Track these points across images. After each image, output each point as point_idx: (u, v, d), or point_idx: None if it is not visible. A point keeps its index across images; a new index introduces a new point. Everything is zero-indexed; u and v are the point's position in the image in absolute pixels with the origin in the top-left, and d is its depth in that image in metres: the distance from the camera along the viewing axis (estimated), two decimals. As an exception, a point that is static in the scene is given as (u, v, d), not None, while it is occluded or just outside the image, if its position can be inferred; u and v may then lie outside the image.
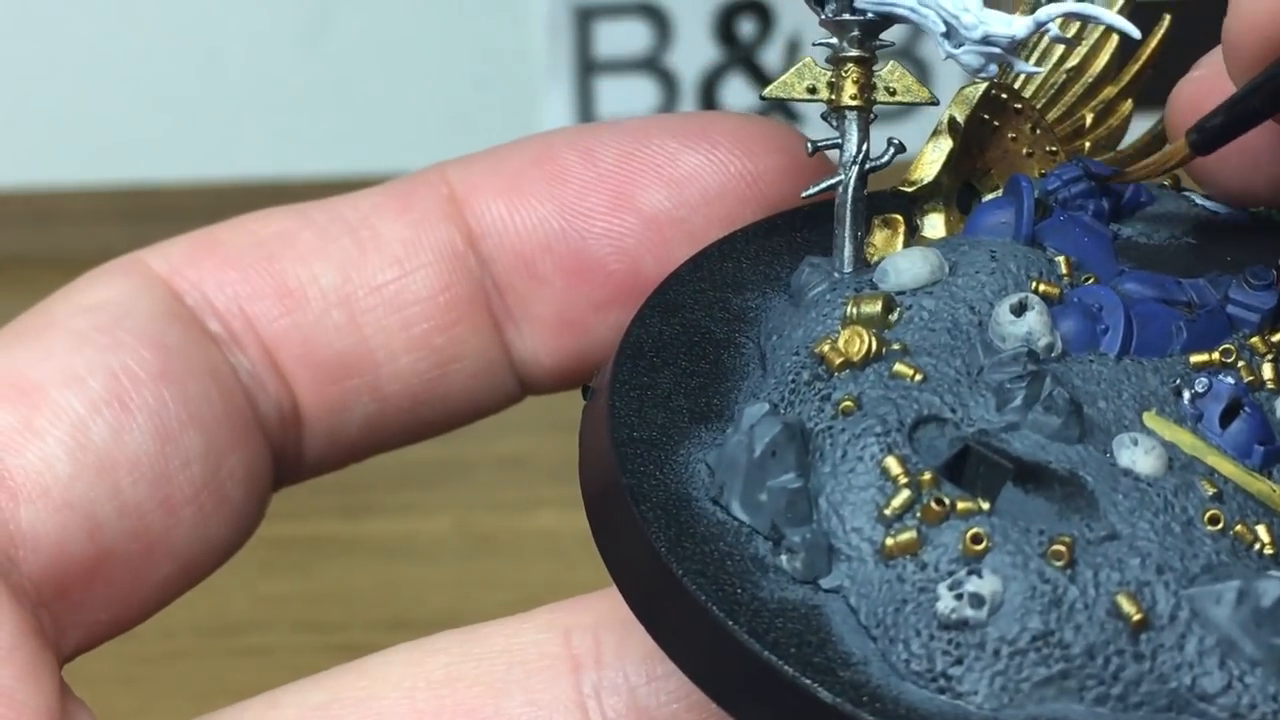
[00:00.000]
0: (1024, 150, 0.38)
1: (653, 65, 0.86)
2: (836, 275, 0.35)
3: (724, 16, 0.85)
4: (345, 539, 0.75)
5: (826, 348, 0.33)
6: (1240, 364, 0.34)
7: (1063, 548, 0.31)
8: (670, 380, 0.35)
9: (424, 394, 0.40)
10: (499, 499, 0.75)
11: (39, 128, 0.86)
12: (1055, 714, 0.30)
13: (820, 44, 0.35)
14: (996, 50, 0.34)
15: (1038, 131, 0.38)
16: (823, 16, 0.35)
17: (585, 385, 0.37)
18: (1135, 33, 0.35)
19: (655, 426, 0.34)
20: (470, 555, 0.73)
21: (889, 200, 0.37)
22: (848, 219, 0.35)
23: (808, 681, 0.30)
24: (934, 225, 0.37)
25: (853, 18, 0.35)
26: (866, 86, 0.35)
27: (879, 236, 0.36)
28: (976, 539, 0.31)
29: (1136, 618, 0.30)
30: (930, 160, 0.36)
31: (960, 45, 0.34)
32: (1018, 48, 0.34)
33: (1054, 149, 0.38)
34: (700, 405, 0.34)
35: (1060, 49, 0.38)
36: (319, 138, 0.85)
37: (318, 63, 0.85)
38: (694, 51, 0.85)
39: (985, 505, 0.31)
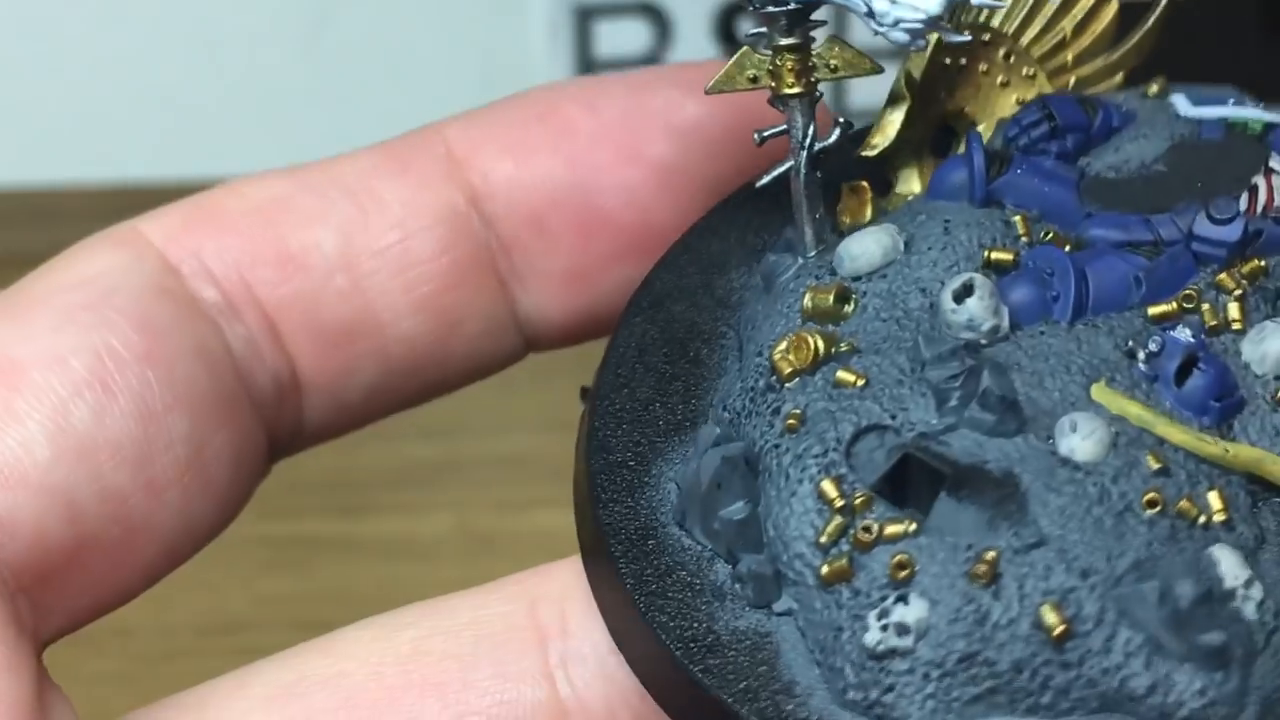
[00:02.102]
0: (998, 80, 0.37)
1: (653, 65, 0.86)
2: (800, 260, 0.35)
3: (724, 16, 0.85)
4: (344, 538, 0.74)
5: (779, 356, 0.34)
6: (1204, 306, 0.33)
7: (986, 566, 0.31)
8: (650, 388, 0.35)
9: (428, 356, 0.39)
10: (499, 499, 0.75)
11: (39, 127, 0.86)
12: None
13: (753, 34, 0.35)
14: (919, 26, 0.34)
15: (1012, 58, 0.37)
16: (752, 8, 0.35)
17: (583, 387, 0.37)
18: None
19: (630, 446, 0.35)
20: (469, 555, 0.73)
21: (859, 165, 0.36)
22: (804, 203, 0.35)
23: (749, 718, 0.31)
24: (907, 179, 0.37)
25: (778, 9, 0.34)
26: (804, 71, 0.35)
27: (849, 204, 0.36)
28: (901, 566, 0.31)
29: (1059, 630, 0.30)
30: (889, 122, 0.36)
31: (883, 25, 0.34)
32: (939, 21, 0.34)
33: (1031, 72, 0.37)
34: (677, 414, 0.35)
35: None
36: (319, 137, 0.85)
37: (318, 62, 0.85)
38: (694, 51, 0.85)
39: (912, 527, 0.31)
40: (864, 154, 0.36)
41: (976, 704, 0.30)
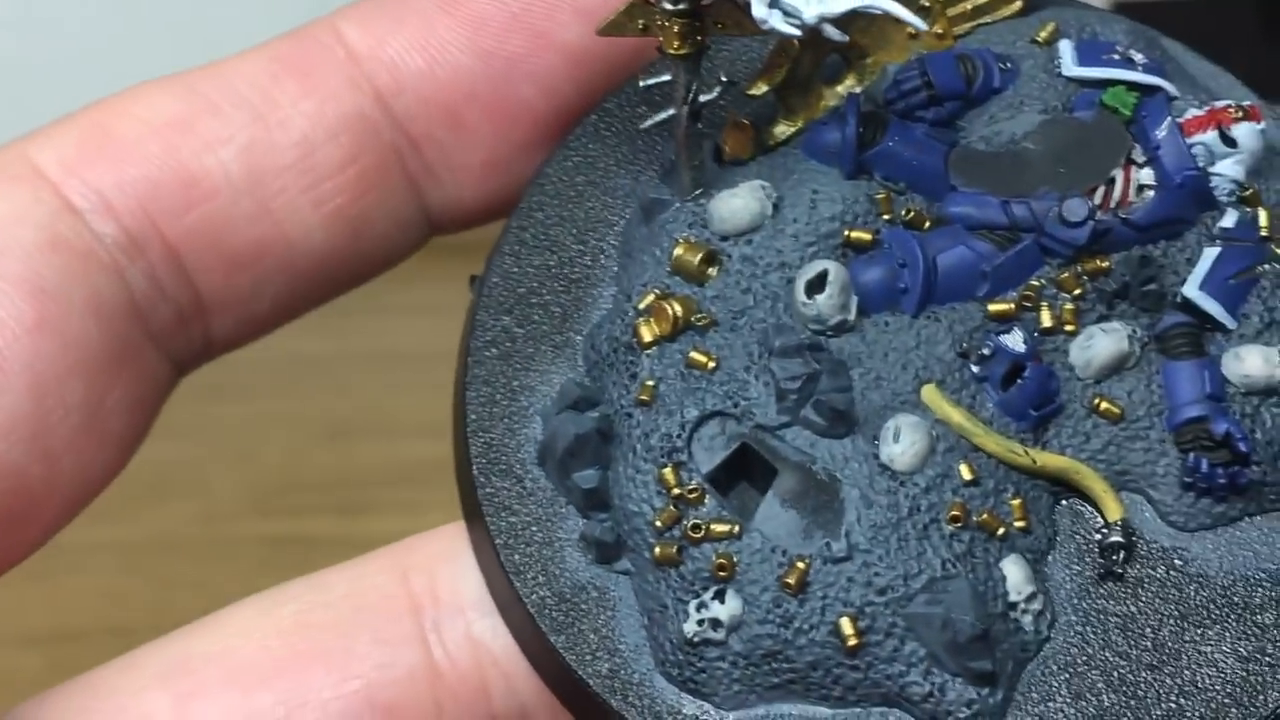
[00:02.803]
0: None
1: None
2: (678, 204, 0.36)
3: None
4: (343, 538, 0.74)
5: (641, 320, 0.35)
6: (1042, 305, 0.35)
7: (796, 575, 0.33)
8: (529, 306, 0.37)
9: (336, 262, 0.39)
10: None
11: (38, 126, 0.86)
12: (783, 712, 0.34)
13: None
14: (796, 32, 0.34)
15: None
16: None
17: (473, 276, 0.38)
18: (921, 25, 0.35)
19: (505, 374, 0.36)
20: (469, 554, 0.73)
21: (747, 101, 0.37)
22: (683, 153, 0.36)
23: (579, 673, 0.34)
24: (792, 112, 0.37)
25: None
26: (688, 34, 0.35)
27: (730, 140, 0.37)
28: (722, 567, 0.34)
29: (852, 643, 0.33)
30: (775, 69, 0.36)
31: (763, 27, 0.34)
32: (819, 26, 0.34)
33: (927, 3, 0.37)
34: (553, 341, 0.37)
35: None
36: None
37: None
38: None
39: (736, 529, 0.34)
40: (749, 93, 0.37)
41: (776, 690, 0.34)
